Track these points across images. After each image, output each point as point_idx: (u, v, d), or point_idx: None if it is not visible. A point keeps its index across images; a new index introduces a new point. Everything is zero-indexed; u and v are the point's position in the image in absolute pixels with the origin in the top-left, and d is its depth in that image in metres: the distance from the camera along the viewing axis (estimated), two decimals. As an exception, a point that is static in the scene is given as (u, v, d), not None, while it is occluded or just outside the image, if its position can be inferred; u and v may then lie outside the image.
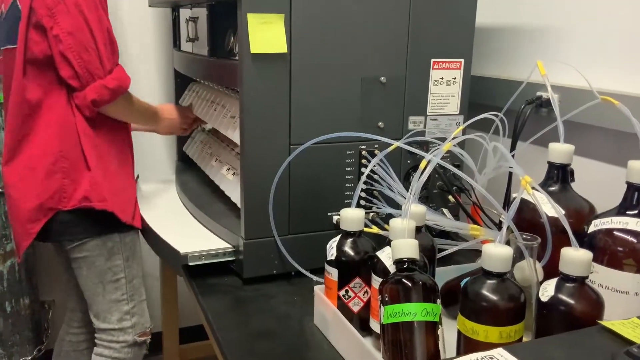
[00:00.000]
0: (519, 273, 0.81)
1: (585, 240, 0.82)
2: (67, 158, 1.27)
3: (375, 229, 1.09)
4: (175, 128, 1.58)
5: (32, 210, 1.26)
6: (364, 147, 1.14)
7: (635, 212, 0.80)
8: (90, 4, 1.22)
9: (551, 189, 0.91)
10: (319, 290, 0.94)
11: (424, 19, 1.13)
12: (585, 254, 0.70)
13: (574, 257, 0.70)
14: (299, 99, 1.07)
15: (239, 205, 1.15)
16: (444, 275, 0.98)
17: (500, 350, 0.60)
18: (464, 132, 1.09)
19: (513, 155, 1.04)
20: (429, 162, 0.82)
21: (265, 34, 1.01)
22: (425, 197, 1.21)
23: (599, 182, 1.09)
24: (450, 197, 1.21)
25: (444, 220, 1.05)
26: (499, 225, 1.06)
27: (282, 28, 1.02)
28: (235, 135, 1.18)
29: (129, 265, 1.37)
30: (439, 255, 0.94)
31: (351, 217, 0.88)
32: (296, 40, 1.04)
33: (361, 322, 0.88)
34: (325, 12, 1.05)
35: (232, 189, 1.26)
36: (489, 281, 0.70)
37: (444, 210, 1.22)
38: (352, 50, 1.09)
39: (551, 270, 0.77)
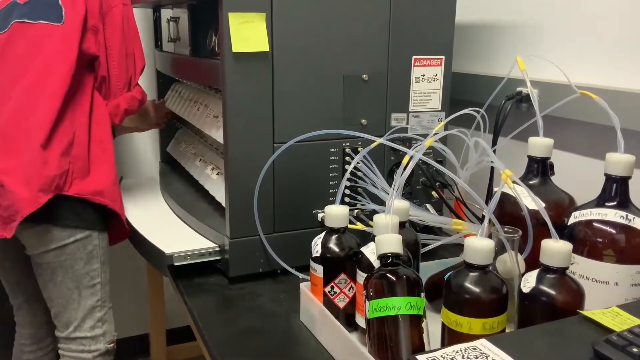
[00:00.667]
0: (501, 265, 0.82)
1: (566, 232, 0.84)
2: (80, 145, 1.26)
3: (359, 225, 1.10)
4: (152, 124, 1.67)
5: (50, 178, 1.18)
6: (347, 144, 1.14)
7: (614, 203, 0.82)
8: (132, 15, 1.33)
9: (531, 182, 0.93)
10: (304, 287, 0.95)
11: (404, 16, 1.14)
12: (565, 245, 0.71)
13: (554, 248, 0.71)
14: (282, 98, 1.07)
15: (223, 204, 1.15)
16: (428, 269, 0.99)
17: (483, 341, 0.61)
18: (445, 128, 1.10)
19: (494, 150, 1.06)
20: (411, 157, 0.83)
21: (247, 32, 1.01)
22: (409, 193, 1.22)
23: (578, 175, 1.11)
24: (434, 193, 1.22)
25: (428, 216, 1.06)
26: (481, 220, 1.07)
27: (264, 27, 1.02)
28: (218, 135, 1.18)
29: (104, 270, 1.34)
30: (423, 250, 0.95)
31: (335, 213, 0.89)
32: (278, 38, 1.05)
33: (347, 317, 0.89)
34: (307, 10, 1.06)
35: (217, 188, 1.26)
36: (471, 274, 0.71)
37: (427, 205, 1.23)
38: (333, 48, 1.09)
39: (532, 262, 0.78)
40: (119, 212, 1.30)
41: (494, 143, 1.20)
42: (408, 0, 1.13)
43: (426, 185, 1.23)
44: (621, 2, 1.06)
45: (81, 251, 1.28)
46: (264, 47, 1.03)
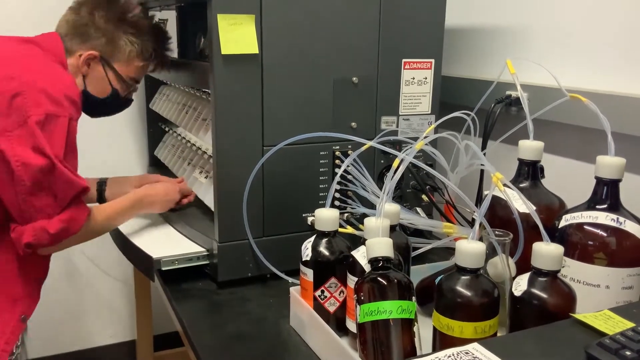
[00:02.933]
0: (492, 269, 0.82)
1: (556, 235, 0.83)
2: None
3: (350, 229, 1.09)
4: (166, 204, 1.32)
5: None
6: (337, 147, 1.14)
7: (605, 206, 0.82)
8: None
9: (522, 185, 0.92)
10: (294, 291, 0.94)
11: (394, 19, 1.14)
12: (557, 249, 0.71)
13: (546, 251, 0.71)
14: (271, 100, 1.06)
15: (212, 208, 1.13)
16: (418, 273, 0.98)
17: (475, 345, 0.61)
18: (436, 131, 1.10)
19: (484, 154, 1.06)
20: (402, 160, 0.82)
21: (236, 34, 1.00)
22: (399, 197, 1.22)
23: (568, 178, 1.11)
24: (424, 196, 1.21)
25: (418, 219, 1.05)
26: (472, 223, 1.07)
27: (253, 28, 1.02)
28: (207, 138, 1.17)
29: None
30: (413, 254, 0.95)
31: (325, 217, 0.88)
32: (267, 41, 1.04)
33: (337, 322, 0.88)
34: (296, 12, 1.05)
35: (205, 192, 1.25)
36: (462, 277, 0.71)
37: (418, 209, 1.22)
38: (323, 51, 1.09)
39: (524, 265, 0.78)
40: None
41: (484, 146, 1.20)
42: (398, 3, 1.13)
43: (416, 189, 1.22)
44: (610, 6, 1.07)
45: None
46: (254, 49, 1.02)
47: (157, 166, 1.79)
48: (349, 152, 1.14)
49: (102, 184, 1.42)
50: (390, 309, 0.71)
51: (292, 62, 1.07)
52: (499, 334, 0.73)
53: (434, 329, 0.74)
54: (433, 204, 1.15)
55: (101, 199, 1.40)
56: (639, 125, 0.97)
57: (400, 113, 1.19)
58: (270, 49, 1.04)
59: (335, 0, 1.08)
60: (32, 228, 1.04)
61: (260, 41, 1.03)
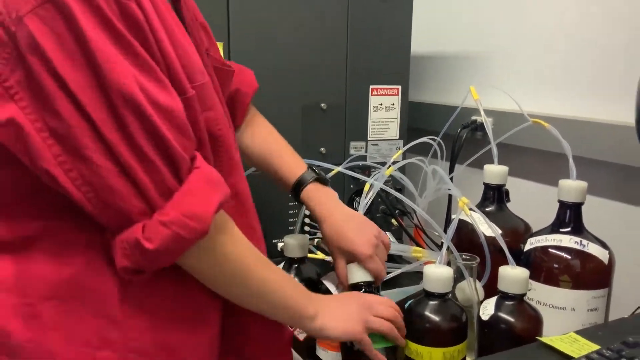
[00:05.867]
0: (460, 293, 0.82)
1: (522, 259, 0.85)
2: None
3: (320, 255, 1.09)
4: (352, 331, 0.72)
5: None
6: (307, 173, 1.14)
7: (568, 229, 0.83)
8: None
9: (488, 209, 0.94)
10: (264, 319, 0.92)
11: (361, 46, 1.15)
12: (522, 272, 0.72)
13: (511, 275, 0.72)
14: (240, 127, 1.06)
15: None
16: (389, 297, 0.98)
17: (444, 371, 0.61)
18: (404, 157, 1.11)
19: (451, 178, 1.07)
20: (371, 186, 0.83)
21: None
22: (369, 221, 1.22)
23: (533, 202, 1.13)
24: (393, 221, 1.22)
25: (388, 244, 1.06)
26: (440, 247, 1.07)
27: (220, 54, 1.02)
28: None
29: None
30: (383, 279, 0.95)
31: (294, 243, 0.88)
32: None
33: (308, 350, 0.87)
34: (264, 40, 1.06)
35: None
36: (430, 302, 0.71)
37: (388, 233, 1.23)
38: (291, 78, 1.10)
39: (492, 289, 0.78)
40: None
41: (451, 171, 1.22)
42: (364, 31, 1.15)
43: (386, 214, 1.23)
44: (569, 34, 1.10)
45: None
46: (222, 76, 1.02)
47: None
48: (319, 177, 1.14)
49: (301, 182, 0.85)
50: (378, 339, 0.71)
51: (260, 89, 1.07)
52: (468, 359, 0.74)
53: (406, 357, 0.74)
54: (402, 229, 1.16)
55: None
56: (600, 149, 1.00)
57: (368, 138, 1.21)
58: (239, 76, 1.05)
59: (302, 26, 1.09)
60: (121, 240, 0.56)
61: (229, 68, 1.03)
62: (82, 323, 0.58)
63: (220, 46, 1.02)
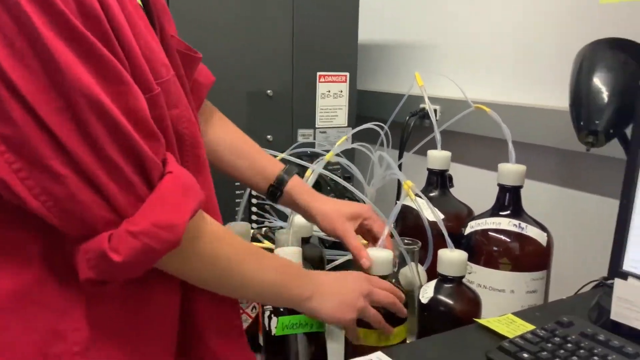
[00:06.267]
0: (403, 278, 0.82)
1: (463, 242, 0.85)
2: None
3: (267, 243, 1.07)
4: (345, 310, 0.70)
5: None
6: (254, 161, 1.12)
7: (507, 212, 0.84)
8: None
9: (431, 194, 0.94)
10: (207, 309, 0.91)
11: (307, 33, 1.14)
12: (461, 255, 0.72)
13: (450, 258, 0.72)
14: (183, 114, 1.04)
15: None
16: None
17: (379, 353, 0.60)
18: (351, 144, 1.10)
19: (399, 165, 1.07)
20: (312, 171, 0.82)
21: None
22: (318, 210, 1.21)
23: (476, 186, 1.14)
24: (342, 209, 1.21)
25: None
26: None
27: (162, 41, 0.99)
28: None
29: None
30: (330, 266, 0.94)
31: (236, 231, 0.86)
32: (178, 53, 1.01)
33: (250, 338, 0.86)
34: (207, 26, 1.04)
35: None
36: (370, 285, 0.71)
37: (337, 221, 1.22)
38: (235, 64, 1.08)
39: (435, 273, 0.79)
40: None
41: (400, 158, 1.22)
42: (310, 18, 1.14)
43: (335, 201, 1.22)
44: (510, 25, 1.11)
45: None
46: (163, 61, 0.99)
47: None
48: (266, 165, 1.12)
49: (281, 180, 0.83)
50: (310, 322, 0.69)
51: (204, 74, 1.05)
52: (408, 341, 0.74)
53: (345, 339, 0.73)
54: (350, 216, 1.16)
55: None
56: (538, 134, 1.01)
57: (317, 126, 1.20)
58: (181, 61, 1.02)
59: (246, 12, 1.07)
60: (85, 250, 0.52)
61: (170, 53, 1.01)
62: (23, 336, 0.53)
63: (161, 30, 0.99)
